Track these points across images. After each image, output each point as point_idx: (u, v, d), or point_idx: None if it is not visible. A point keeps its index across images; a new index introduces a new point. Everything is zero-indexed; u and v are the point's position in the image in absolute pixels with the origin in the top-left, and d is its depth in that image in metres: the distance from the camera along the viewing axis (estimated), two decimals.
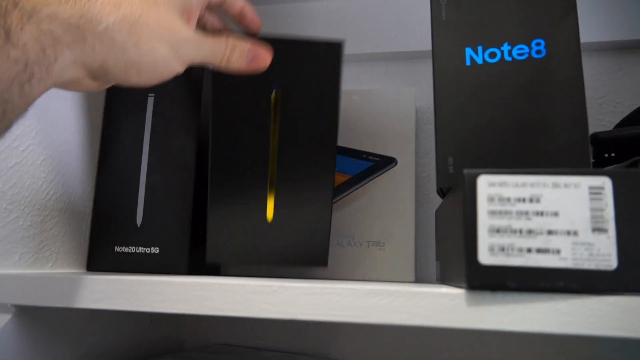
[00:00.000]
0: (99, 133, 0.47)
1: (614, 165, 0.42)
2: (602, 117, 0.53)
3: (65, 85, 0.29)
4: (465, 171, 0.28)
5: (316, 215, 0.39)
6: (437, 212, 0.45)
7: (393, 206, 0.50)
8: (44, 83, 0.26)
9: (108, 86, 0.32)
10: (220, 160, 0.39)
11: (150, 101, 0.46)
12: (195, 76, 0.46)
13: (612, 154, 0.45)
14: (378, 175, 0.50)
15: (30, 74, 0.25)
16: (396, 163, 0.51)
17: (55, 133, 0.41)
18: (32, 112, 0.39)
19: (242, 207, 0.39)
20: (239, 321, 0.59)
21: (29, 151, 0.38)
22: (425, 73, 0.58)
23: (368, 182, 0.50)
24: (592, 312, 0.25)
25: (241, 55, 0.34)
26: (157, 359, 0.51)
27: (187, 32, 0.32)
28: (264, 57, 0.36)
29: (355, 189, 0.50)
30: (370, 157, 0.51)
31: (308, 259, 0.39)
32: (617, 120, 0.51)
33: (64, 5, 0.26)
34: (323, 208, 0.39)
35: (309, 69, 0.38)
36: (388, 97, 0.53)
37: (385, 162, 0.50)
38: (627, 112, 0.52)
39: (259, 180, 0.39)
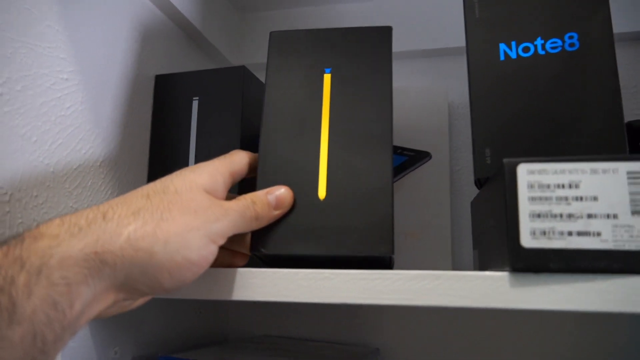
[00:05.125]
0: (148, 135, 0.50)
1: None
2: (635, 107, 0.54)
3: (98, 316, 0.26)
4: (505, 160, 0.29)
5: (375, 195, 0.35)
6: (473, 202, 0.46)
7: (428, 199, 0.51)
8: (62, 340, 0.23)
9: (146, 298, 0.29)
10: (270, 144, 0.37)
11: (195, 103, 0.49)
12: (237, 76, 0.48)
13: None
14: (413, 169, 0.52)
15: (41, 342, 0.22)
16: (430, 157, 0.52)
17: (111, 136, 0.44)
18: (93, 117, 0.42)
19: (292, 187, 0.35)
20: (281, 313, 0.61)
21: (90, 153, 0.41)
22: (454, 70, 0.60)
23: (404, 176, 0.52)
24: (634, 291, 0.26)
25: (267, 205, 0.32)
26: (205, 349, 0.53)
27: (214, 209, 0.29)
28: (286, 194, 0.34)
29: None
30: (405, 152, 0.52)
31: (369, 246, 0.33)
32: None
33: (76, 238, 0.24)
34: (383, 186, 0.35)
35: (360, 53, 0.39)
36: (421, 94, 0.54)
37: (420, 157, 0.52)
38: None
39: (311, 161, 0.36)
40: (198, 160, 0.48)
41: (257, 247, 0.34)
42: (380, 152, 0.36)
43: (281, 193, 0.34)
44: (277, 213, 0.33)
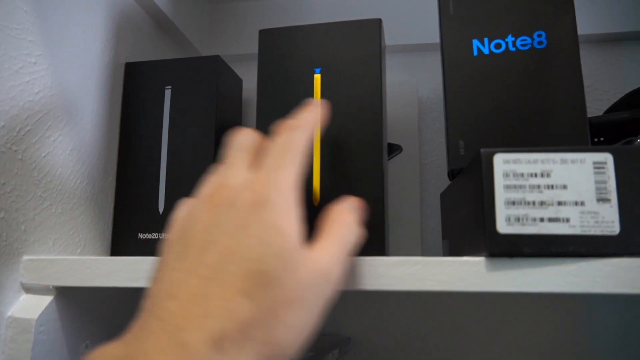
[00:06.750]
0: (118, 124, 0.48)
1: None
2: (589, 105, 0.57)
3: None
4: (482, 150, 0.31)
5: (368, 200, 0.35)
6: (443, 194, 0.48)
7: (399, 191, 0.53)
8: None
9: None
10: None
11: (168, 93, 0.48)
12: (211, 66, 0.48)
13: (601, 138, 0.49)
14: None
15: None
16: (401, 150, 0.53)
17: (81, 123, 0.43)
18: (62, 103, 0.40)
19: None
20: None
21: (59, 141, 0.40)
22: (423, 65, 0.61)
23: None
24: (598, 273, 0.28)
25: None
26: None
27: (332, 269, 0.29)
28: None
29: None
30: None
31: (361, 249, 0.33)
32: (603, 107, 0.55)
33: None
34: (375, 191, 0.36)
35: (347, 48, 0.39)
36: (391, 88, 0.55)
37: (391, 149, 0.53)
38: (612, 99, 0.56)
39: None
40: (171, 150, 0.47)
41: None
42: (372, 156, 0.37)
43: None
44: None
